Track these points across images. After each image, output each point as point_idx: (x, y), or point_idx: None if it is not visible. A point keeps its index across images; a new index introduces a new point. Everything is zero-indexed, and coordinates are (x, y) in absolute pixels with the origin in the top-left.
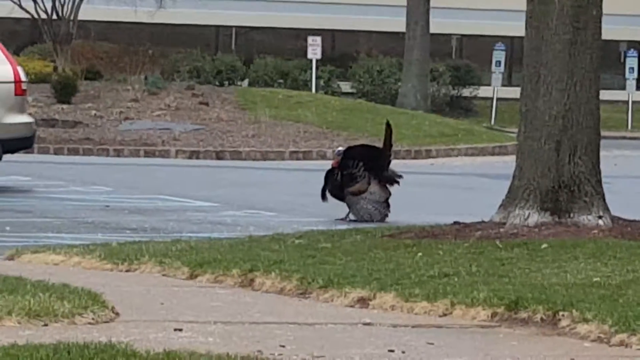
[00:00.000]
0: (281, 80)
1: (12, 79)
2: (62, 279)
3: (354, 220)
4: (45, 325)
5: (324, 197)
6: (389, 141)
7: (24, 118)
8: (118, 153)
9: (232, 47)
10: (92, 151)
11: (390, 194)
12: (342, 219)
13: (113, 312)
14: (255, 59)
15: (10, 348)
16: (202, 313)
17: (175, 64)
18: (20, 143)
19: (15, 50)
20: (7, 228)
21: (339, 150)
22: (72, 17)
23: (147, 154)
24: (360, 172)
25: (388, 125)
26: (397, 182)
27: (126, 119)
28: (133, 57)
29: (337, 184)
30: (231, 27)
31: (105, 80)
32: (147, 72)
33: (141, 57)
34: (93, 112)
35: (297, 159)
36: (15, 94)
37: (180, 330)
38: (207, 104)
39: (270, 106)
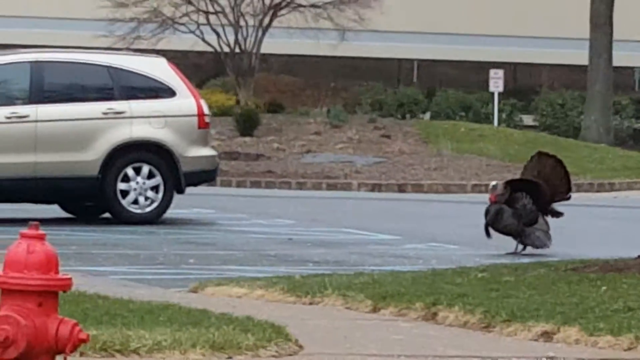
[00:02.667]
0: (463, 113)
1: (195, 112)
2: (246, 311)
3: (528, 254)
4: (229, 358)
5: (488, 233)
6: (566, 176)
7: (207, 151)
8: (300, 186)
9: (413, 79)
10: (275, 184)
11: (549, 227)
12: (516, 252)
13: (297, 345)
14: (437, 91)
15: None
16: (385, 346)
17: (357, 97)
18: (203, 176)
19: (198, 84)
20: (191, 260)
21: (494, 185)
22: (254, 51)
23: (329, 187)
24: (530, 204)
25: (559, 161)
26: (562, 214)
27: (308, 151)
28: (315, 90)
29: (507, 217)
30: (413, 60)
31: (288, 114)
32: (330, 105)
33: (323, 90)
34: (275, 145)
35: (480, 191)
36: (199, 127)
37: None
38: (389, 137)
39: (453, 139)
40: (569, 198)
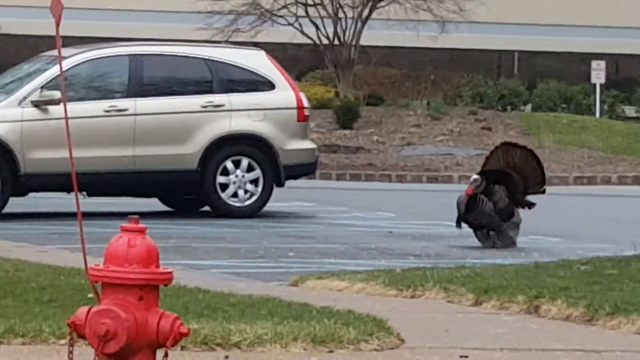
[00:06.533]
0: (564, 105)
1: (295, 105)
2: (347, 305)
3: (498, 247)
4: (331, 351)
5: (459, 225)
6: (539, 167)
7: (306, 144)
8: (400, 179)
9: (514, 71)
10: (375, 177)
11: (521, 220)
12: (490, 246)
13: (398, 338)
14: (538, 83)
15: None
16: (487, 340)
17: (457, 88)
18: (303, 169)
19: (297, 76)
20: (291, 254)
21: (475, 179)
22: (353, 43)
23: (430, 180)
24: (506, 197)
25: (531, 152)
26: (534, 205)
27: (408, 144)
28: (415, 82)
29: (484, 208)
30: (513, 51)
31: (387, 106)
32: (429, 97)
33: (423, 82)
34: (375, 137)
35: (582, 184)
36: (298, 120)
37: (466, 357)
38: (490, 129)
39: (554, 131)
40: (543, 192)
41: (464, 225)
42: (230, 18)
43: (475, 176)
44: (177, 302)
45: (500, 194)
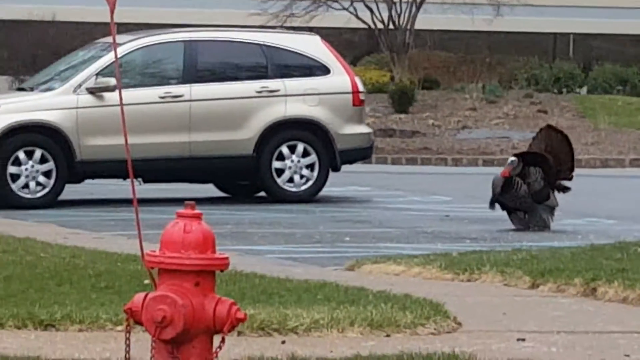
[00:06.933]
0: (620, 87)
1: (350, 90)
2: (403, 289)
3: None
4: (388, 335)
5: (493, 206)
6: (570, 152)
7: (362, 128)
8: (456, 162)
9: (569, 54)
10: (430, 161)
11: (558, 203)
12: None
13: (455, 322)
14: (594, 65)
15: (353, 359)
16: (544, 323)
17: (512, 72)
18: (358, 153)
19: (352, 61)
20: (347, 238)
21: (512, 161)
22: (408, 27)
23: (486, 163)
24: (542, 179)
25: (566, 137)
26: (569, 189)
27: (464, 127)
28: (470, 65)
29: (520, 190)
30: (569, 34)
31: (442, 90)
32: (485, 80)
33: (478, 65)
34: (431, 121)
35: (638, 166)
36: (353, 105)
37: (523, 340)
38: (545, 112)
39: (610, 113)
40: (571, 178)
41: (497, 206)
42: (285, 3)
43: (512, 158)
44: (233, 287)
45: (536, 176)
